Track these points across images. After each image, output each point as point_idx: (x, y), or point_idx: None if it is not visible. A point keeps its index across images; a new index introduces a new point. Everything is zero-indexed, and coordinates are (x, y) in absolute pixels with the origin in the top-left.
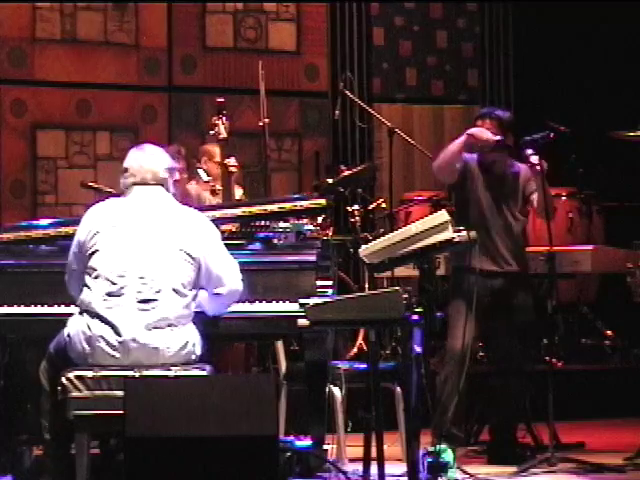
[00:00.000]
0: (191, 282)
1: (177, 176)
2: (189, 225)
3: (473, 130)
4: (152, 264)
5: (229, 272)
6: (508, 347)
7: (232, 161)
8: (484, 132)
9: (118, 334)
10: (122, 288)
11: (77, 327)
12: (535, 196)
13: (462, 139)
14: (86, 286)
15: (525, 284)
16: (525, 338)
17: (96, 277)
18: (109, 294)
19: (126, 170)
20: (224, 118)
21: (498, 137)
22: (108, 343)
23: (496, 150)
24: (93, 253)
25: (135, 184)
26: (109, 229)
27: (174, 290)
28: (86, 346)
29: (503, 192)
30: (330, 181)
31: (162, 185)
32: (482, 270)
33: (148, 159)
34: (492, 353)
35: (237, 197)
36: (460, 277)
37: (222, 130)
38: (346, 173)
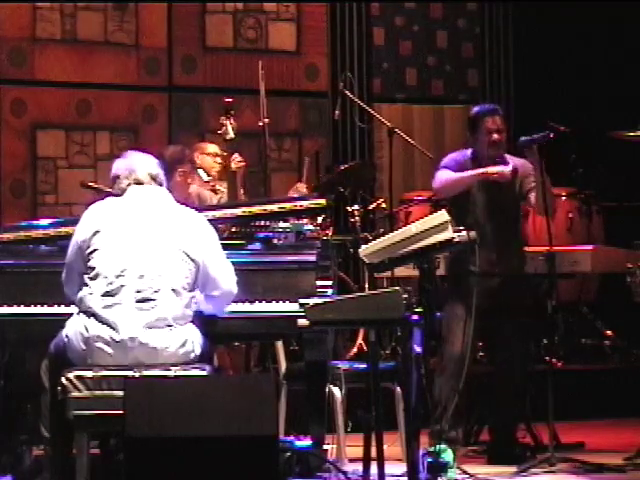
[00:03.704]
0: (190, 283)
1: (178, 177)
2: (189, 226)
3: (493, 170)
4: (151, 263)
5: (225, 275)
6: (509, 348)
7: (237, 157)
8: (504, 171)
9: (116, 334)
10: (120, 287)
11: (75, 328)
12: (533, 194)
13: (475, 176)
14: (85, 285)
15: (522, 284)
16: (525, 339)
17: (95, 276)
18: (107, 293)
19: (117, 177)
20: (232, 118)
21: (512, 168)
22: (106, 343)
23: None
24: (92, 252)
25: (130, 185)
26: (108, 228)
27: (173, 290)
28: (84, 347)
29: (498, 191)
30: (326, 179)
31: (155, 180)
32: (473, 272)
33: (136, 161)
34: (493, 354)
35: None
36: (457, 279)
37: (229, 130)
38: (341, 168)
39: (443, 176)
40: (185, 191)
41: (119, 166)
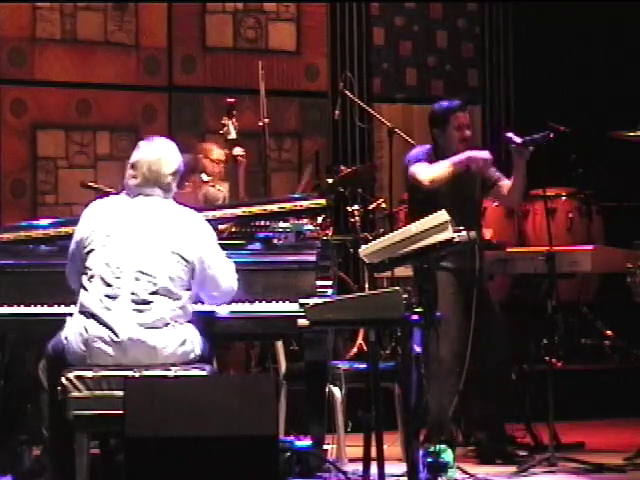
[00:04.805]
0: (186, 283)
1: (189, 188)
2: (184, 227)
3: (479, 155)
4: (147, 265)
5: (224, 273)
6: (490, 346)
7: (239, 150)
8: (487, 159)
9: (115, 334)
10: (117, 289)
11: (74, 329)
12: (504, 185)
13: (462, 160)
14: (83, 287)
15: (484, 281)
16: (498, 336)
17: (91, 277)
18: (105, 295)
19: (132, 166)
20: (234, 118)
21: (490, 157)
22: (105, 343)
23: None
24: (89, 252)
25: (137, 186)
26: (106, 229)
27: (169, 291)
28: (83, 347)
29: (460, 186)
30: (330, 181)
31: (161, 187)
32: (448, 268)
33: (156, 161)
34: (474, 351)
35: (242, 189)
36: (444, 279)
37: (232, 130)
38: (345, 172)
39: (431, 167)
40: (193, 199)
41: (139, 156)
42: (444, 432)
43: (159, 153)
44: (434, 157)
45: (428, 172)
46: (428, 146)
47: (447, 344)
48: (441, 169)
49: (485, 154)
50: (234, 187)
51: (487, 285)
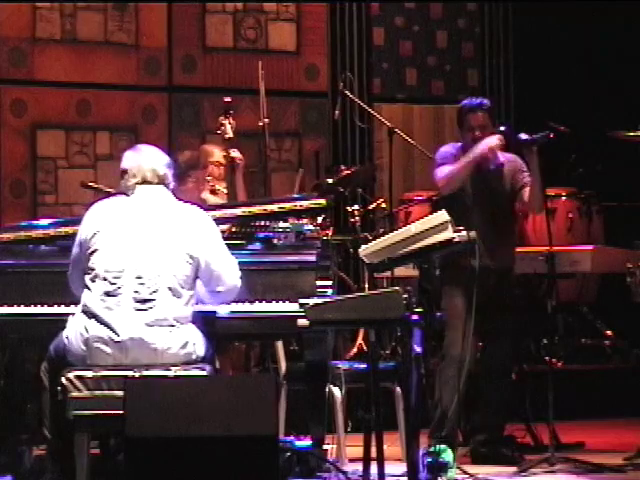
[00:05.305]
0: (189, 281)
1: (191, 184)
2: (188, 224)
3: (481, 148)
4: (149, 264)
5: (228, 270)
6: (497, 347)
7: (236, 153)
8: (491, 144)
9: (116, 334)
10: (119, 288)
11: (75, 329)
12: (527, 189)
13: (470, 161)
14: (85, 286)
15: (512, 282)
16: (514, 338)
17: (94, 277)
18: (106, 294)
19: (125, 172)
20: (231, 118)
21: (502, 159)
22: (105, 343)
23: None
24: (93, 252)
25: (137, 184)
26: (109, 229)
27: (171, 290)
28: (84, 347)
29: (488, 188)
30: (330, 181)
31: (163, 182)
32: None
33: (146, 158)
34: (482, 353)
35: (242, 191)
36: (456, 276)
37: (229, 130)
38: (346, 172)
39: (444, 171)
40: (196, 197)
41: (129, 161)
42: (448, 428)
43: (146, 153)
44: (462, 156)
45: (442, 176)
46: (459, 144)
47: (459, 344)
48: (452, 172)
49: (488, 142)
50: (231, 190)
51: (512, 286)
